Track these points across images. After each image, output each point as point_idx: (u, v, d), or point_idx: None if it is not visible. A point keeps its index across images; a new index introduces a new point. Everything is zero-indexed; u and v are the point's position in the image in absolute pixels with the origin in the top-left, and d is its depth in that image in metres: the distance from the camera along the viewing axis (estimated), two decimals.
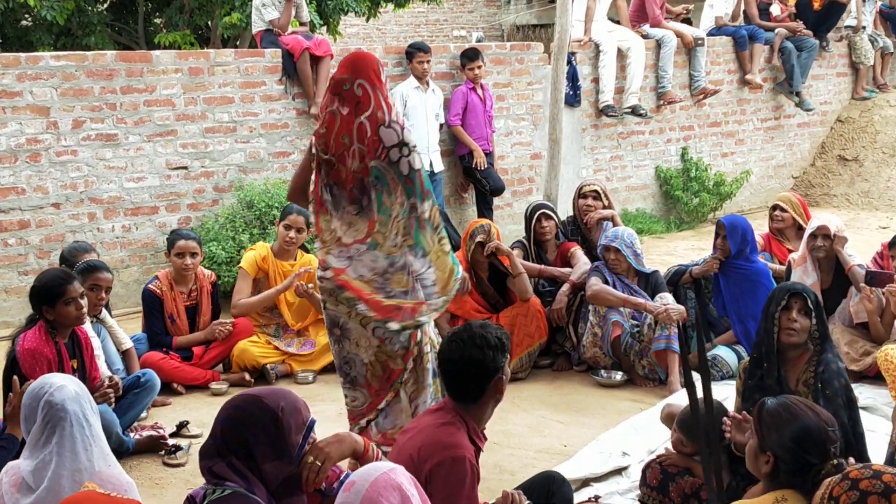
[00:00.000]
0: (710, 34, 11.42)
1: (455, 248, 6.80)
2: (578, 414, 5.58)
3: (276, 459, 2.81)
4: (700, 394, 3.64)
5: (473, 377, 3.35)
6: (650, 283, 6.12)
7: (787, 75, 11.87)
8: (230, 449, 2.80)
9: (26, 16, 10.93)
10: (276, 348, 6.31)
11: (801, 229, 6.85)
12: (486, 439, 3.48)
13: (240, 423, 2.81)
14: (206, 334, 6.19)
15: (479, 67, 8.96)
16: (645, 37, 10.61)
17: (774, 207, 7.11)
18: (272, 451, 2.81)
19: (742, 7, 11.73)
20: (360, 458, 3.09)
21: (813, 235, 6.12)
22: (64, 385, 3.15)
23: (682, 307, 5.91)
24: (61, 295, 4.67)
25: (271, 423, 2.81)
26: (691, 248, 9.80)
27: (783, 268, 6.49)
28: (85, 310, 4.78)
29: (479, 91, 9.03)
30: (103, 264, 5.60)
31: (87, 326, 5.20)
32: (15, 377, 3.93)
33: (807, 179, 12.64)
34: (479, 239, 6.18)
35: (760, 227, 7.63)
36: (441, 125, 8.98)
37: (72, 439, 3.06)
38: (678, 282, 6.35)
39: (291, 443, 2.84)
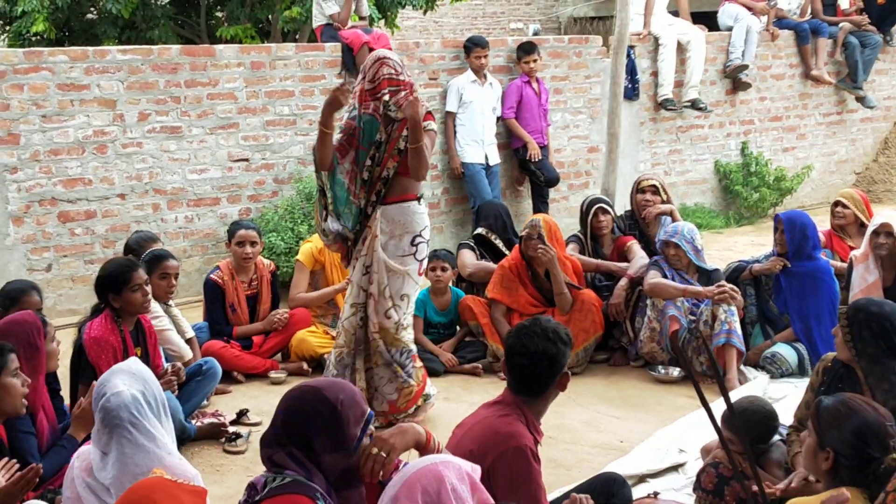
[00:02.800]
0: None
1: (511, 244, 6.82)
2: (635, 410, 5.56)
3: (335, 451, 2.83)
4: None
5: (545, 371, 3.35)
6: (711, 281, 6.04)
7: (851, 71, 11.64)
8: (290, 439, 2.82)
9: (91, 9, 11.13)
10: (334, 338, 6.35)
11: (863, 226, 6.73)
12: (542, 434, 3.48)
13: (300, 415, 2.84)
14: (264, 325, 6.26)
15: (535, 61, 8.92)
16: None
17: (836, 204, 7.00)
18: (331, 443, 2.83)
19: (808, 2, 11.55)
20: (422, 450, 3.10)
21: (875, 233, 6.00)
22: (121, 390, 3.14)
23: (735, 288, 5.84)
24: (128, 282, 4.75)
25: (331, 415, 2.83)
26: (751, 244, 9.68)
27: (845, 265, 6.38)
28: (150, 297, 4.87)
29: (535, 84, 9.00)
30: (168, 252, 5.70)
31: (156, 308, 5.31)
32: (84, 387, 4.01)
33: (869, 175, 12.39)
34: (523, 234, 6.19)
35: (822, 224, 7.51)
36: (498, 118, 8.98)
37: (132, 445, 3.09)
38: (738, 278, 6.28)
39: (350, 435, 2.85)
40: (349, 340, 5.21)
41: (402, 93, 4.99)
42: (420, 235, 5.13)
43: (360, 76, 5.14)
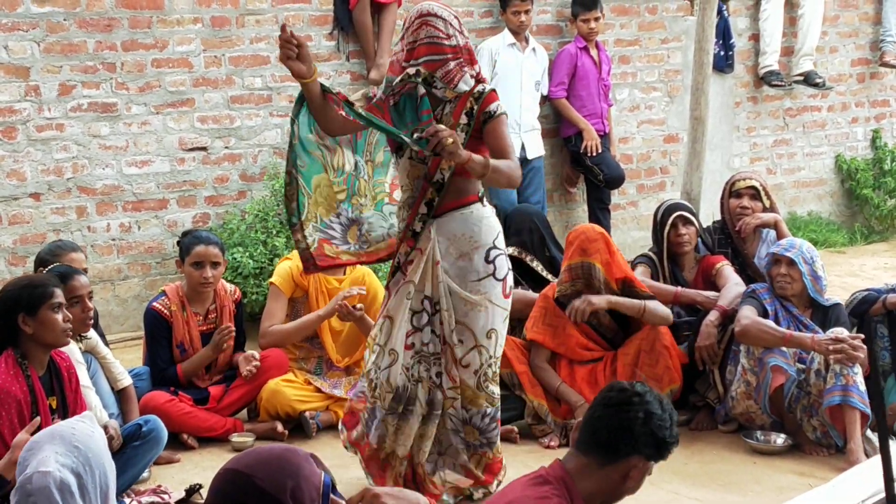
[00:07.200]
0: None
1: (553, 262, 6.81)
2: (724, 490, 5.56)
3: None
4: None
5: (617, 433, 3.33)
6: (829, 320, 6.02)
7: None
8: None
9: None
10: (319, 390, 6.37)
11: None
12: None
13: None
14: (212, 348, 6.26)
15: (597, 20, 8.94)
16: None
17: None
18: None
19: None
20: None
21: None
22: (49, 470, 3.09)
23: (859, 342, 5.79)
24: (47, 298, 4.75)
25: None
26: (883, 267, 9.68)
27: None
28: (70, 325, 4.89)
29: (594, 52, 9.02)
30: (73, 268, 5.69)
31: (73, 350, 5.32)
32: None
33: None
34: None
35: None
36: (543, 97, 9.00)
37: None
38: (865, 313, 6.26)
39: None
40: (383, 396, 5.12)
41: (453, 64, 4.95)
42: (495, 247, 5.06)
43: (398, 39, 5.07)
